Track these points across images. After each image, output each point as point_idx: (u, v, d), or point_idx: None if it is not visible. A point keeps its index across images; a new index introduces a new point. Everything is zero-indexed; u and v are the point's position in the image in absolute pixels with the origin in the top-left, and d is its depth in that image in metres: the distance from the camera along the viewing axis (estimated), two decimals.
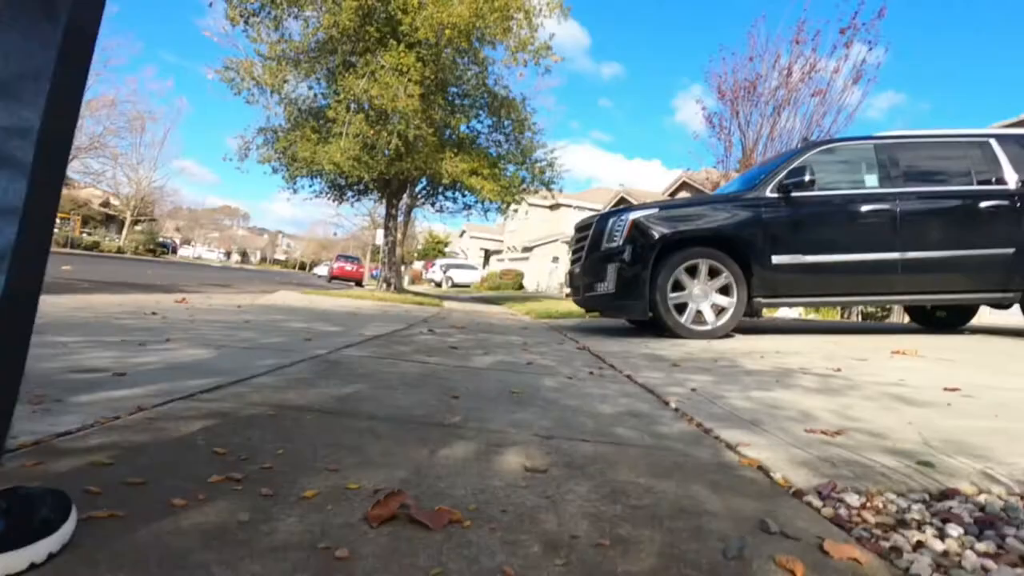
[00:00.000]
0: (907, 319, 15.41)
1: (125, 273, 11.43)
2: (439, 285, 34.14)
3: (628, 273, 5.10)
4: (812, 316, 15.76)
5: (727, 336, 5.13)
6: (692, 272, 5.12)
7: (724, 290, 5.13)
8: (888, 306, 14.54)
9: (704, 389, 2.45)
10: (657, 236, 5.06)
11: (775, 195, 5.19)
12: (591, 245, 5.53)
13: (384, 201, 12.67)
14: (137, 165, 38.34)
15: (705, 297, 5.14)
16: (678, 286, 5.11)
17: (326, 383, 1.89)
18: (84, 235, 36.12)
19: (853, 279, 5.17)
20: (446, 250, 51.60)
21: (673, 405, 2.11)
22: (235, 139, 10.72)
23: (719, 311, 5.15)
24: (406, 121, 9.12)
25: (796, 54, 9.82)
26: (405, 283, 35.06)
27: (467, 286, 32.56)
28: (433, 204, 14.34)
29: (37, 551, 0.71)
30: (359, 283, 26.32)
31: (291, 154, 9.89)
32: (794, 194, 5.16)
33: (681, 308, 5.12)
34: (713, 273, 5.12)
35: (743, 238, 5.11)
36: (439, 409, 1.68)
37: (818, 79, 9.81)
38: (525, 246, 36.72)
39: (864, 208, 5.16)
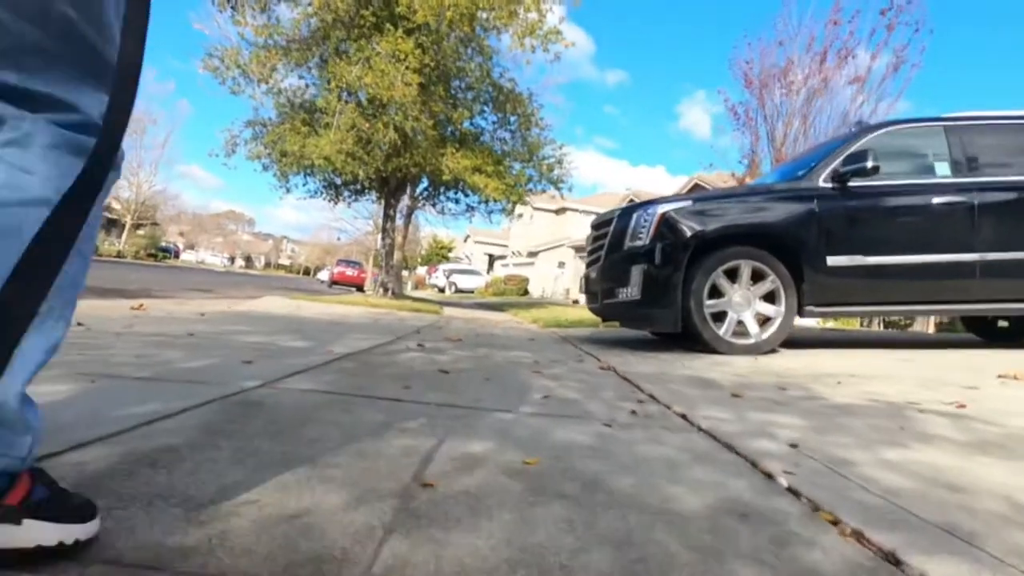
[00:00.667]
0: (932, 328, 14.54)
1: (104, 278, 10.70)
2: (443, 291, 33.41)
3: (656, 276, 4.32)
4: (830, 324, 14.92)
5: (772, 351, 4.34)
6: (732, 275, 4.34)
7: (769, 297, 4.35)
8: (912, 316, 13.62)
9: (808, 443, 1.66)
10: (691, 233, 4.28)
11: (829, 185, 4.41)
12: (611, 244, 4.75)
13: (382, 201, 11.90)
14: (137, 169, 37.81)
15: (747, 305, 4.35)
16: (715, 292, 4.33)
17: (200, 460, 1.09)
18: None
19: (922, 285, 4.37)
20: (450, 255, 50.93)
21: (783, 482, 1.31)
22: (222, 132, 10.03)
23: (763, 321, 4.37)
24: (403, 112, 8.37)
25: (832, 37, 9.00)
26: (408, 288, 34.37)
27: (471, 291, 31.80)
28: (434, 205, 13.55)
29: (70, 531, 0.73)
30: (360, 288, 25.58)
31: (280, 148, 9.14)
32: (852, 184, 4.37)
33: (718, 318, 4.33)
34: (757, 277, 4.34)
35: (793, 236, 4.33)
36: (387, 528, 0.89)
37: (855, 65, 9.00)
38: (530, 251, 35.97)
39: (936, 201, 4.36)
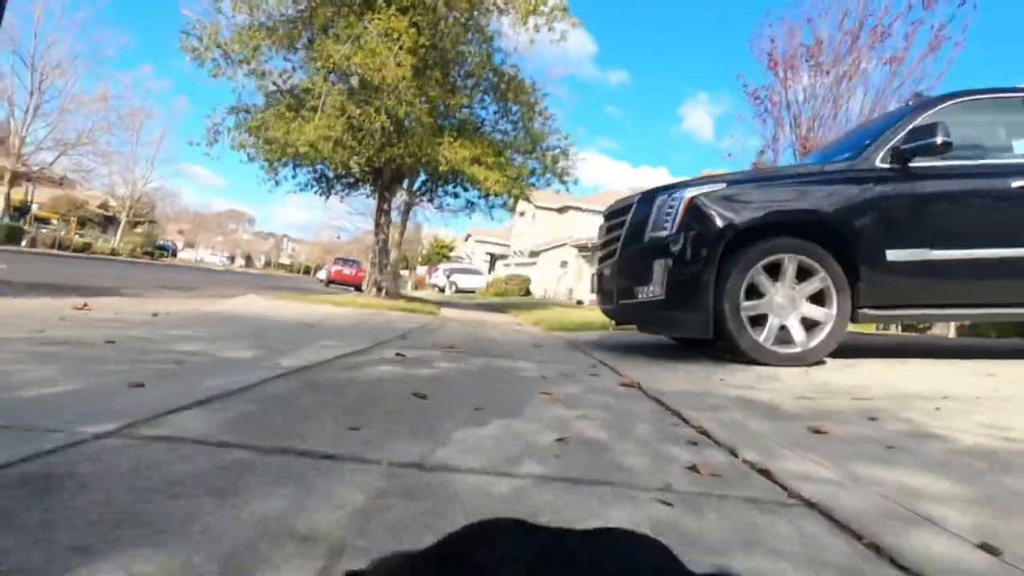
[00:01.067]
0: (953, 333, 13.80)
1: (76, 274, 10.06)
2: (443, 291, 32.75)
3: (684, 273, 3.66)
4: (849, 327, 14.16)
5: (819, 362, 3.66)
6: (773, 272, 3.67)
7: (818, 298, 3.68)
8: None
9: (1009, 542, 0.98)
10: (725, 222, 3.61)
11: (887, 165, 3.73)
12: (629, 236, 4.07)
13: (375, 194, 11.20)
14: (133, 165, 37.15)
15: (792, 307, 3.67)
16: (753, 291, 3.67)
17: None
18: (76, 236, 34.96)
19: (1000, 284, 3.69)
20: (451, 255, 50.30)
21: None
22: (205, 119, 9.32)
23: (810, 326, 3.69)
24: (396, 97, 7.69)
25: (865, 13, 8.20)
26: (408, 288, 33.64)
27: (472, 292, 31.13)
28: (432, 200, 12.85)
29: None
30: (359, 288, 24.88)
31: (263, 135, 8.45)
32: (915, 164, 3.70)
33: (757, 322, 3.66)
34: (803, 274, 3.67)
35: (847, 225, 3.66)
36: None
37: (891, 45, 8.25)
38: (532, 251, 35.31)
39: (1016, 185, 3.68)
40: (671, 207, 3.78)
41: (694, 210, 3.69)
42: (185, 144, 26.46)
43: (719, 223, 3.62)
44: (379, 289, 10.97)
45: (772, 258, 3.64)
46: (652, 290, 3.80)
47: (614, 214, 4.40)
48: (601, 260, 4.64)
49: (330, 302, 8.07)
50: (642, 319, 4.13)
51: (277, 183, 11.02)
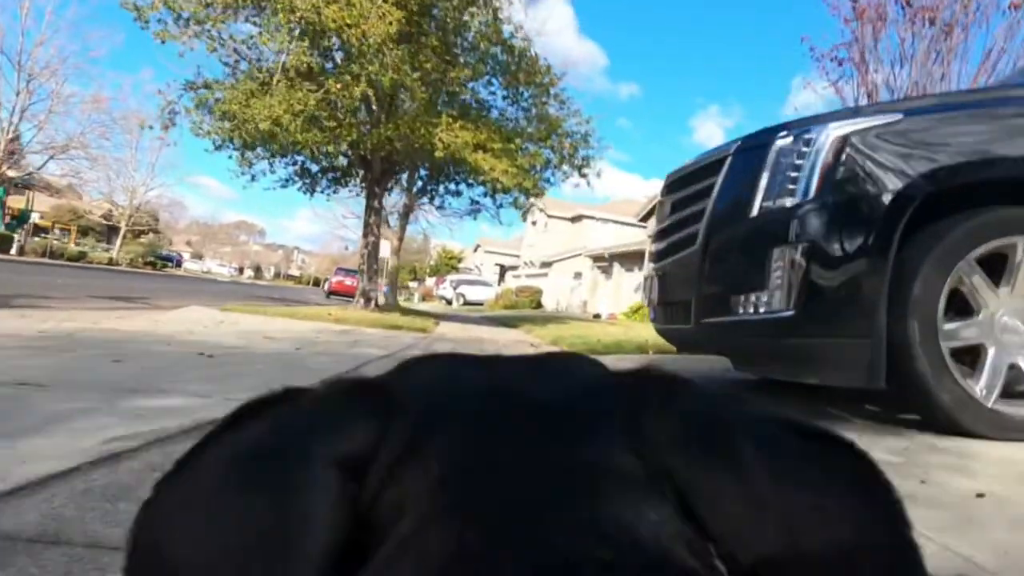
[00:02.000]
0: None
1: (22, 283, 8.63)
2: (450, 303, 31.24)
3: (830, 271, 2.11)
4: None
5: None
6: (994, 268, 2.07)
7: None
8: None
9: None
10: (906, 181, 2.07)
11: None
12: (721, 210, 2.47)
13: (364, 189, 9.66)
14: (132, 172, 36.09)
15: None
16: (956, 303, 2.07)
17: None
18: (74, 245, 33.91)
19: None
20: (460, 266, 48.87)
21: None
22: (157, 95, 7.73)
23: None
24: (380, 61, 6.19)
25: None
26: (415, 300, 32.05)
27: (480, 304, 29.56)
28: (432, 199, 11.30)
29: None
30: None
31: (219, 111, 6.94)
32: None
33: (963, 358, 2.07)
34: None
35: None
36: None
37: None
38: (544, 261, 33.71)
39: None
40: (803, 156, 2.18)
41: (847, 160, 2.10)
42: (191, 150, 25.26)
43: (896, 182, 2.04)
44: (367, 300, 9.39)
45: (993, 244, 2.05)
46: (767, 300, 2.19)
47: (688, 179, 2.77)
48: (661, 256, 2.98)
49: (297, 316, 6.52)
50: (746, 349, 2.49)
51: (253, 177, 9.54)
